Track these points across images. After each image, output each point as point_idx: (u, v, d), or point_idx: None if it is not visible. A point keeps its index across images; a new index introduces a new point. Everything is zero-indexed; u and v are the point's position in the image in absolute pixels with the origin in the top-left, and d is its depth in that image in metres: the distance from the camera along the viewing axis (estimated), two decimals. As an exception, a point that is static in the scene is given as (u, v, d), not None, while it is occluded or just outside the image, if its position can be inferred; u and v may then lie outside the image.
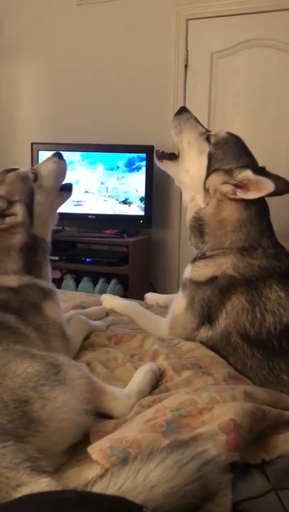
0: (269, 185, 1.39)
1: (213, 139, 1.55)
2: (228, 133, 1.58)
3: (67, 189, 1.71)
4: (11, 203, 1.46)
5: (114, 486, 0.75)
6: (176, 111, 1.74)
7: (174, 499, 0.76)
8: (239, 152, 1.52)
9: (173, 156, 1.67)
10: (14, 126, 4.23)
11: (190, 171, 1.59)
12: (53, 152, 1.71)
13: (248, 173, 1.43)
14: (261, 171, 1.44)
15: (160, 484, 0.75)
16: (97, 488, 0.75)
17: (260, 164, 1.51)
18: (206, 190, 1.51)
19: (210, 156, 1.52)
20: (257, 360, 1.34)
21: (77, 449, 1.01)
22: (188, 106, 3.58)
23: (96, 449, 0.95)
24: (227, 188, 1.46)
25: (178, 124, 1.67)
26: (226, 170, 1.47)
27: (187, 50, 3.65)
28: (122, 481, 0.75)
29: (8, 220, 1.46)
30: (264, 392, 1.16)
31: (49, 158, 1.67)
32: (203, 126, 1.66)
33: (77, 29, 3.95)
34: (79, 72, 3.98)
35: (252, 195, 1.43)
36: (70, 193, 1.72)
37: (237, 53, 3.55)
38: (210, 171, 1.51)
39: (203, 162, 1.53)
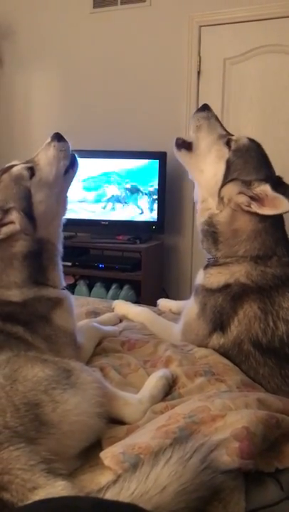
0: (285, 205, 1.35)
1: (233, 145, 1.48)
2: (250, 139, 1.50)
3: (71, 165, 1.51)
4: (6, 211, 1.34)
5: (126, 491, 0.76)
6: (198, 108, 1.66)
7: (185, 496, 0.77)
8: (260, 163, 1.46)
9: (191, 147, 1.59)
10: (28, 132, 4.27)
11: (205, 173, 1.52)
12: (51, 135, 1.50)
13: (266, 188, 1.38)
14: (280, 184, 1.41)
15: (170, 483, 0.76)
16: (110, 494, 0.75)
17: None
18: (221, 198, 1.46)
19: (228, 163, 1.46)
20: (269, 368, 1.33)
21: (89, 455, 1.01)
22: (201, 112, 3.64)
23: (108, 455, 0.95)
24: (242, 199, 1.42)
25: (197, 121, 1.58)
26: (244, 181, 1.42)
27: (200, 57, 3.67)
28: (135, 486, 0.76)
29: (4, 230, 1.33)
30: (277, 399, 1.15)
31: (47, 144, 1.48)
32: (224, 128, 1.59)
33: (90, 37, 4.00)
34: (92, 79, 4.02)
35: (266, 211, 1.39)
36: (76, 169, 1.52)
37: (250, 59, 3.56)
38: (227, 179, 1.45)
39: (221, 168, 1.46)
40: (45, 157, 1.45)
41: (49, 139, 1.48)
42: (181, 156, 1.62)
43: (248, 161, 1.45)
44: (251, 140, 1.50)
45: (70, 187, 1.54)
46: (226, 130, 1.59)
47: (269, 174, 1.46)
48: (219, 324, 1.43)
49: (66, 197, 1.52)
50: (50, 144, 1.47)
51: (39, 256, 1.40)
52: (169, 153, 3.61)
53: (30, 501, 0.80)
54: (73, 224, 3.85)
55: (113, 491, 0.76)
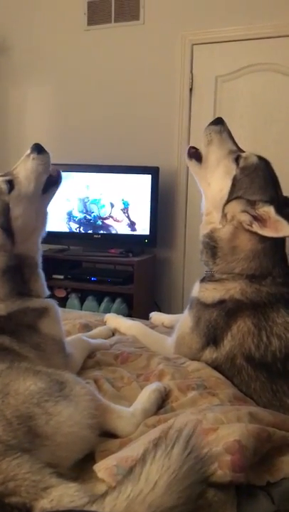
0: (286, 230, 1.36)
1: (242, 162, 1.47)
2: (259, 157, 1.50)
3: (54, 182, 1.47)
4: None
5: (123, 494, 0.78)
6: (212, 121, 1.63)
7: (177, 486, 0.78)
8: (266, 183, 1.45)
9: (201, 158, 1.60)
10: (23, 146, 4.27)
11: (211, 186, 1.53)
12: (31, 146, 1.44)
13: (270, 210, 1.38)
14: (287, 204, 1.41)
15: (160, 477, 0.78)
16: (109, 498, 0.78)
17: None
18: (224, 213, 1.47)
19: (235, 181, 1.46)
20: (261, 382, 1.35)
21: (83, 467, 1.01)
22: (192, 128, 3.71)
23: (102, 468, 0.96)
24: (244, 218, 1.42)
25: (209, 135, 1.58)
26: (249, 200, 1.42)
27: (192, 74, 3.73)
28: (130, 489, 0.78)
29: None
30: (268, 413, 1.17)
31: (27, 156, 1.43)
32: (235, 143, 1.58)
33: (84, 53, 4.05)
34: (86, 95, 4.06)
35: (267, 232, 1.39)
36: (59, 186, 1.48)
37: (241, 77, 3.62)
38: (232, 196, 1.45)
39: (227, 184, 1.47)
40: (25, 170, 1.41)
41: (28, 151, 1.43)
42: (191, 166, 1.62)
43: (255, 180, 1.45)
44: (261, 158, 1.50)
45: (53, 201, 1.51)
46: (237, 146, 1.58)
47: (275, 195, 1.45)
48: (212, 338, 1.44)
49: (46, 212, 1.48)
50: (30, 156, 1.42)
51: (19, 270, 1.37)
52: (161, 168, 3.66)
53: (43, 500, 0.81)
54: (66, 237, 3.87)
55: (112, 495, 0.78)
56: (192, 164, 1.61)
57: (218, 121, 1.61)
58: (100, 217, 3.82)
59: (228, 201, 1.46)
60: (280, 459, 1.05)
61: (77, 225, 3.86)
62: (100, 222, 3.82)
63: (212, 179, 1.53)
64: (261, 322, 1.38)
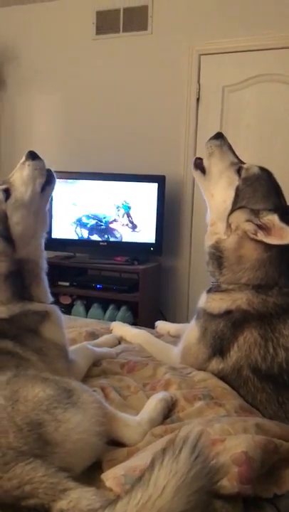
0: None
1: (243, 173, 1.50)
2: (261, 168, 1.52)
3: (48, 182, 1.49)
4: None
5: (134, 500, 0.78)
6: (213, 135, 1.66)
7: (185, 490, 0.78)
8: (269, 192, 1.48)
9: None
10: (30, 154, 4.32)
11: (215, 197, 1.55)
12: (26, 153, 1.47)
13: (274, 218, 1.39)
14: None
15: (168, 482, 0.78)
16: (120, 505, 0.79)
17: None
18: (229, 224, 1.49)
19: (238, 191, 1.48)
20: (267, 394, 1.35)
21: (90, 477, 1.01)
22: (199, 138, 3.73)
23: (110, 477, 0.96)
24: (249, 227, 1.44)
25: (210, 148, 1.61)
26: (252, 209, 1.44)
27: (199, 84, 3.75)
28: (140, 495, 0.79)
29: None
30: (275, 425, 1.17)
31: (22, 163, 1.45)
32: (236, 156, 1.61)
33: (92, 63, 4.09)
34: (93, 104, 4.10)
35: (272, 240, 1.40)
36: (53, 185, 1.50)
37: (247, 87, 3.65)
38: (235, 206, 1.47)
39: (230, 195, 1.49)
40: (20, 177, 1.43)
41: (23, 158, 1.46)
42: (196, 176, 1.66)
43: (258, 189, 1.47)
44: (262, 169, 1.52)
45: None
46: (238, 158, 1.61)
47: (278, 204, 1.47)
48: (219, 349, 1.44)
49: (45, 213, 1.50)
50: (25, 163, 1.45)
51: (21, 275, 1.39)
52: (167, 177, 3.68)
53: (62, 502, 0.83)
54: (72, 244, 3.89)
55: (122, 501, 0.79)
56: (197, 175, 1.64)
57: (219, 136, 1.65)
58: (109, 222, 3.84)
59: (232, 211, 1.48)
60: (287, 471, 1.05)
61: (87, 231, 3.87)
62: (104, 227, 3.83)
63: (215, 190, 1.56)
64: (268, 333, 1.38)
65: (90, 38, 4.08)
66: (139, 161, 3.88)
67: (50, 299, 1.49)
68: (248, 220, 1.44)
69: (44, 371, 1.23)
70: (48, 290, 1.49)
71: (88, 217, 3.85)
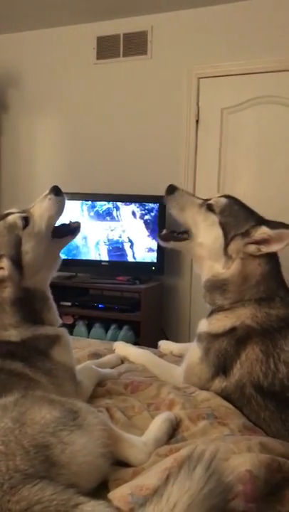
0: (288, 235, 1.45)
1: (216, 208, 1.57)
2: (225, 197, 1.61)
3: (72, 231, 1.57)
4: None
5: None
6: (166, 190, 1.69)
7: (199, 508, 0.79)
8: (246, 213, 1.57)
9: (179, 236, 1.68)
10: (33, 176, 4.39)
11: (204, 244, 1.60)
12: (50, 187, 1.53)
13: (265, 230, 1.48)
14: (272, 224, 1.50)
15: (180, 498, 0.79)
16: None
17: (268, 217, 1.57)
18: (228, 256, 1.54)
19: (222, 225, 1.55)
20: (270, 412, 1.36)
21: (97, 497, 1.02)
22: (199, 159, 3.79)
23: (117, 496, 0.97)
24: (252, 248, 1.50)
25: (176, 204, 1.66)
26: (242, 233, 1.52)
27: (198, 106, 3.82)
28: (152, 508, 0.80)
29: None
30: (279, 443, 1.17)
31: (44, 196, 1.52)
32: (197, 198, 1.68)
33: (93, 86, 4.17)
34: (95, 126, 4.17)
35: (275, 247, 1.48)
36: (75, 236, 1.58)
37: (246, 109, 3.71)
38: (228, 239, 1.53)
39: (218, 232, 1.55)
40: (40, 209, 1.49)
41: (47, 191, 1.52)
42: (173, 246, 1.71)
43: (237, 215, 1.56)
44: (227, 197, 1.62)
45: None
46: (200, 198, 1.67)
47: (258, 218, 1.56)
48: (222, 368, 1.46)
49: (58, 256, 1.56)
50: (47, 197, 1.51)
51: (29, 301, 1.44)
52: (168, 197, 3.72)
53: None
54: (73, 264, 3.92)
55: None
56: (174, 245, 1.69)
57: (173, 189, 1.69)
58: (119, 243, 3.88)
59: (227, 245, 1.54)
60: (291, 489, 1.05)
61: (106, 252, 3.91)
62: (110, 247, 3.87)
63: (203, 237, 1.60)
64: (269, 349, 1.40)
65: (91, 62, 4.16)
66: (140, 182, 3.93)
67: (60, 321, 1.54)
68: (246, 244, 1.51)
69: (53, 393, 1.24)
70: (57, 313, 1.54)
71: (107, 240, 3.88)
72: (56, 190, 1.52)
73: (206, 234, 1.59)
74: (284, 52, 3.51)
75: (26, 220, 1.45)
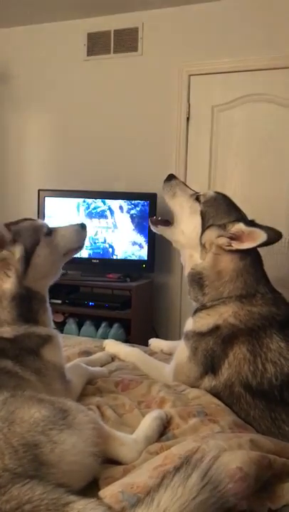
0: (262, 235, 1.47)
1: (202, 199, 1.65)
2: (216, 192, 1.68)
3: (76, 248, 1.69)
4: (14, 241, 1.46)
5: None
6: (165, 178, 1.81)
7: None
8: (229, 208, 1.61)
9: (167, 223, 1.76)
10: (22, 173, 4.37)
11: (185, 231, 1.67)
12: (81, 222, 1.72)
13: (240, 226, 1.52)
14: (252, 223, 1.53)
15: (170, 505, 0.77)
16: None
17: (258, 214, 1.61)
18: (203, 245, 1.59)
19: (202, 214, 1.62)
20: (259, 410, 1.37)
21: (87, 495, 1.02)
22: (190, 156, 3.79)
23: (107, 494, 0.97)
24: (222, 241, 1.54)
25: (170, 190, 1.76)
26: (219, 225, 1.56)
27: (189, 104, 3.82)
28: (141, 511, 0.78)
29: (4, 253, 1.43)
30: (269, 440, 1.18)
31: (72, 225, 1.67)
32: (191, 189, 1.76)
33: (84, 83, 4.14)
34: (85, 123, 4.14)
35: (246, 245, 1.51)
36: (78, 252, 1.70)
37: (237, 107, 3.71)
38: (204, 227, 1.59)
39: (197, 220, 1.62)
40: (64, 230, 1.63)
41: (77, 223, 1.68)
42: (160, 231, 1.78)
43: (219, 207, 1.61)
44: (216, 192, 1.68)
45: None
46: (194, 190, 1.75)
47: (240, 215, 1.60)
48: (210, 367, 1.47)
49: (59, 269, 1.65)
50: (74, 226, 1.66)
51: (28, 300, 1.48)
52: (159, 194, 3.72)
53: None
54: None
55: None
56: (161, 229, 1.77)
57: (172, 177, 1.81)
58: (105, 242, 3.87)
59: (203, 232, 1.59)
60: (281, 486, 1.06)
61: (97, 250, 3.89)
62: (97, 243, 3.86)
63: (184, 225, 1.68)
64: (256, 349, 1.41)
65: (82, 58, 4.14)
66: (131, 179, 3.92)
67: (53, 325, 1.58)
68: (219, 236, 1.55)
69: (42, 391, 1.24)
70: (52, 317, 1.59)
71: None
72: (84, 226, 1.68)
73: (188, 221, 1.66)
74: (275, 50, 3.51)
75: (50, 232, 1.57)
